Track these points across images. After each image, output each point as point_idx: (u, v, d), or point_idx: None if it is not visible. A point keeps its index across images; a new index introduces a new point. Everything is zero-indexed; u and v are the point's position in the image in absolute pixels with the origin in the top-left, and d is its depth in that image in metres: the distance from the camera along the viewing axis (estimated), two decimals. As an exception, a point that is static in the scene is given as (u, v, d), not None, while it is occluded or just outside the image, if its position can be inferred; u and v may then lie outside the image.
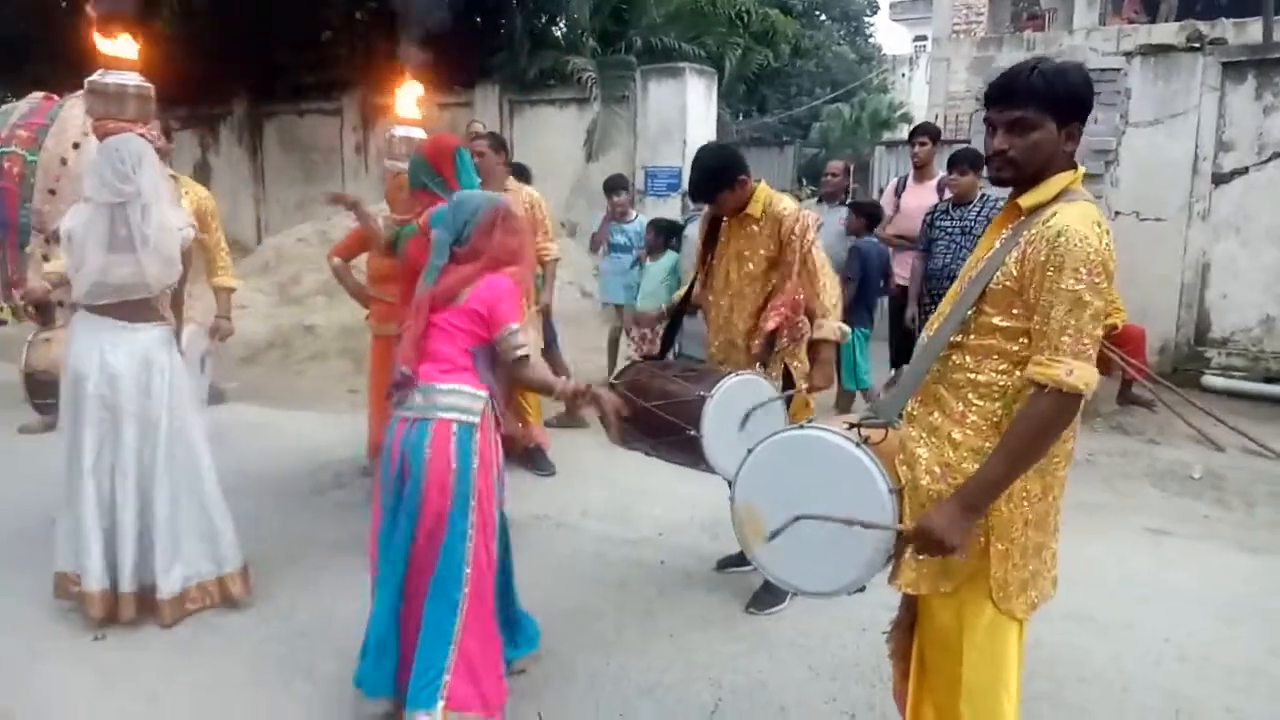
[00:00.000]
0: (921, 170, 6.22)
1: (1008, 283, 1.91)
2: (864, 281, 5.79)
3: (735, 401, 3.14)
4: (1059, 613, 3.19)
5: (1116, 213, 7.16)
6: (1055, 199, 1.93)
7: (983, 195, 5.28)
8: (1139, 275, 6.78)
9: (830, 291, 3.37)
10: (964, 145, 6.21)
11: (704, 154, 3.56)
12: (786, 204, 3.46)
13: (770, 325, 3.38)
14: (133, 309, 3.30)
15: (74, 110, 6.14)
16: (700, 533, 4.33)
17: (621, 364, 5.35)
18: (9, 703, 2.91)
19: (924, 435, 2.05)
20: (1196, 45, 7.28)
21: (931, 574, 2.02)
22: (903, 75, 28.62)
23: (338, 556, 3.94)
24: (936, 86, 15.58)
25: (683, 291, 3.87)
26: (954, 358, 2.01)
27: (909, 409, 2.11)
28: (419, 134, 4.42)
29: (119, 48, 3.36)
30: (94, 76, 3.34)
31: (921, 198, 6.08)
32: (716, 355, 3.62)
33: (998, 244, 1.99)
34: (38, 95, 6.65)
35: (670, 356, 3.78)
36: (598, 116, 10.43)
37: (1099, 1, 13.91)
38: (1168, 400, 6.23)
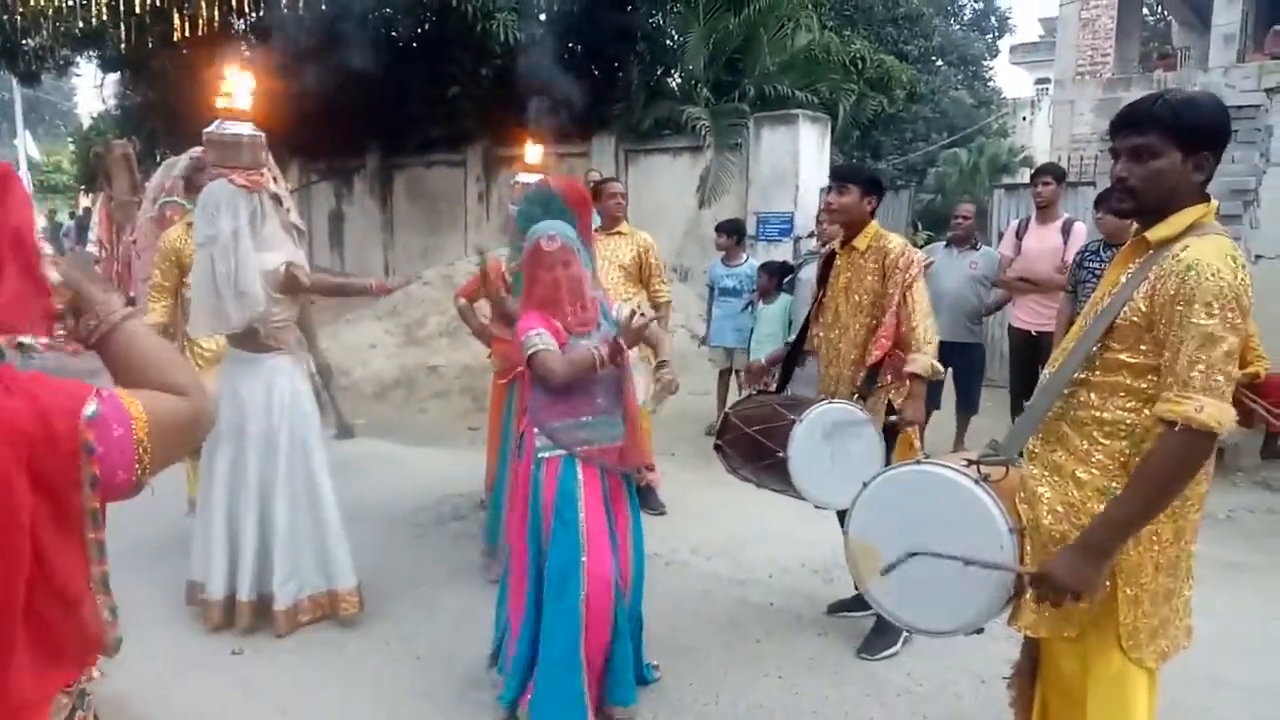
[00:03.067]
0: (1045, 211, 6.04)
1: (1135, 318, 1.87)
2: None
3: (825, 427, 3.20)
4: (1200, 674, 3.03)
5: (1257, 256, 6.76)
6: (1185, 232, 1.88)
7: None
8: (1284, 322, 6.37)
9: (926, 328, 3.34)
10: (1089, 185, 6.01)
11: (862, 163, 3.67)
12: (893, 240, 3.49)
13: (872, 359, 3.39)
14: (249, 340, 3.57)
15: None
16: (812, 576, 4.28)
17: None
18: (151, 709, 3.10)
19: (1046, 474, 2.01)
20: (1346, 80, 6.88)
21: (1054, 617, 1.96)
22: (1024, 119, 27.89)
23: (456, 584, 4.09)
24: (1060, 129, 15.13)
25: (798, 330, 3.90)
26: (1080, 395, 1.97)
27: (1030, 447, 2.07)
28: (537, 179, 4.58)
29: (234, 99, 3.53)
30: (210, 128, 3.51)
31: (1044, 240, 5.91)
32: (827, 389, 3.62)
33: (1123, 279, 1.94)
34: (198, 150, 7.26)
35: (787, 393, 3.81)
36: (710, 164, 10.59)
37: (1237, 38, 13.27)
38: (1320, 455, 5.80)
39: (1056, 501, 1.97)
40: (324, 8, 9.98)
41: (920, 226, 15.34)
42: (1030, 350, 5.79)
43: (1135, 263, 1.96)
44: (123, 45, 12.15)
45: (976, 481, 1.98)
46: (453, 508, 5.22)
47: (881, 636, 3.45)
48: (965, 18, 29.43)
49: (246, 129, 3.51)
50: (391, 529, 4.85)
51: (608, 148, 11.71)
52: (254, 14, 10.94)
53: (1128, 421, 1.91)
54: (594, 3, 11.05)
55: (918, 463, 2.16)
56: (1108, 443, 1.94)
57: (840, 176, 3.60)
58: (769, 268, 6.65)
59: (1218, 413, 1.76)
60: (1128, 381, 1.90)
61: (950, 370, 6.32)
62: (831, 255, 3.69)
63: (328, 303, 4.58)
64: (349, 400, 7.53)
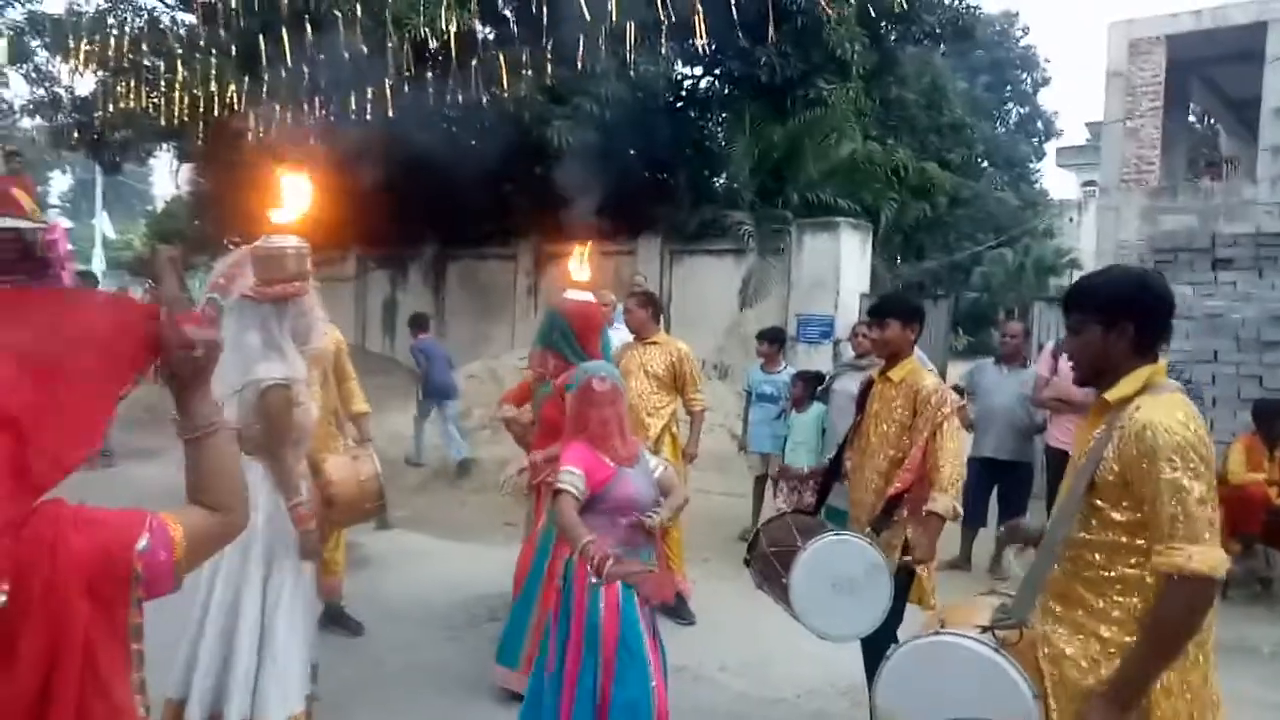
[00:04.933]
0: (1081, 332, 6.10)
1: (1110, 476, 1.98)
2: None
3: (832, 559, 3.20)
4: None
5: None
6: (1140, 392, 2.00)
7: None
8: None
9: (954, 468, 3.37)
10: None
11: (905, 289, 3.76)
12: (928, 378, 3.56)
13: (892, 490, 3.42)
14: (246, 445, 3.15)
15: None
16: (839, 697, 4.24)
17: (769, 513, 5.44)
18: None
19: (1069, 632, 2.06)
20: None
21: None
22: (1070, 220, 27.96)
23: (484, 693, 4.09)
24: (1105, 234, 15.17)
25: (837, 446, 3.96)
26: (1085, 555, 2.04)
27: (1052, 607, 2.12)
28: (586, 298, 4.64)
29: (280, 214, 3.50)
30: (257, 242, 3.50)
31: (1081, 361, 5.95)
32: (853, 514, 3.67)
33: (1093, 439, 2.05)
34: (246, 247, 7.62)
35: (821, 514, 3.85)
36: (753, 266, 10.83)
37: (1285, 151, 13.28)
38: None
39: (1081, 657, 2.02)
40: (389, 111, 10.53)
41: (961, 331, 15.37)
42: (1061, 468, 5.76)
43: (1102, 423, 2.07)
44: (199, 139, 12.90)
45: (996, 649, 2.03)
46: (488, 608, 5.25)
47: None
48: (1012, 121, 29.92)
49: (291, 241, 3.47)
50: (423, 628, 4.90)
51: (654, 248, 12.04)
52: (324, 111, 11.56)
53: (1135, 576, 1.98)
54: (644, 111, 11.52)
55: (936, 633, 2.21)
56: (1122, 599, 2.00)
57: (879, 313, 3.66)
58: (803, 376, 6.74)
59: (1209, 558, 1.85)
60: (1124, 540, 1.99)
61: (997, 488, 6.33)
62: (871, 380, 3.78)
63: (369, 390, 4.90)
64: (389, 489, 7.65)
